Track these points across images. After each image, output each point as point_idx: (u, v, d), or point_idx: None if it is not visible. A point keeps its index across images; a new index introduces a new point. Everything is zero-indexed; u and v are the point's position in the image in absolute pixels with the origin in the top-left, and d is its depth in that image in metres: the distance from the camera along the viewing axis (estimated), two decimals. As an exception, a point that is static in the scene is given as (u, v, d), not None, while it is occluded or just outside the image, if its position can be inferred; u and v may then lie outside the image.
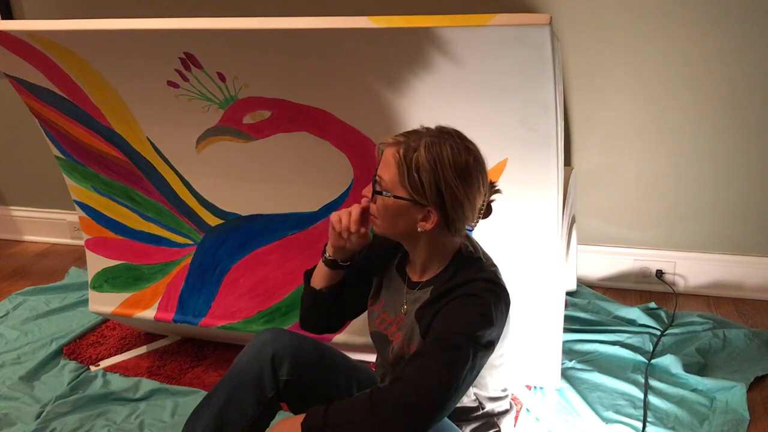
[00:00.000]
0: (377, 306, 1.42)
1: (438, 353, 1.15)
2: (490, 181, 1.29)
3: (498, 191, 1.30)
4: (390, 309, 1.38)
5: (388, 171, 1.23)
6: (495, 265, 1.32)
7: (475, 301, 1.20)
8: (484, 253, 1.33)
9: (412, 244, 1.31)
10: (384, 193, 1.24)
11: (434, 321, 1.22)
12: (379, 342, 1.40)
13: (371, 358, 1.49)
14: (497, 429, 1.41)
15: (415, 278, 1.34)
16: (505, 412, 1.43)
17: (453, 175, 1.19)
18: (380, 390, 1.15)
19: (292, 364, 1.34)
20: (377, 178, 1.25)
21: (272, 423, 1.34)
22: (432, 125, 1.26)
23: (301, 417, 1.17)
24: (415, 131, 1.24)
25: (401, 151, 1.21)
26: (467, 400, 1.36)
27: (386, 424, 1.11)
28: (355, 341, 1.78)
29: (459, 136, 1.24)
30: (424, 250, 1.30)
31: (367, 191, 1.28)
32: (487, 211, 1.29)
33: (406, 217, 1.24)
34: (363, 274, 1.46)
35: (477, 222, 1.28)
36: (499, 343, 1.25)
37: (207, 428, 1.29)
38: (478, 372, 1.21)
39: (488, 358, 1.22)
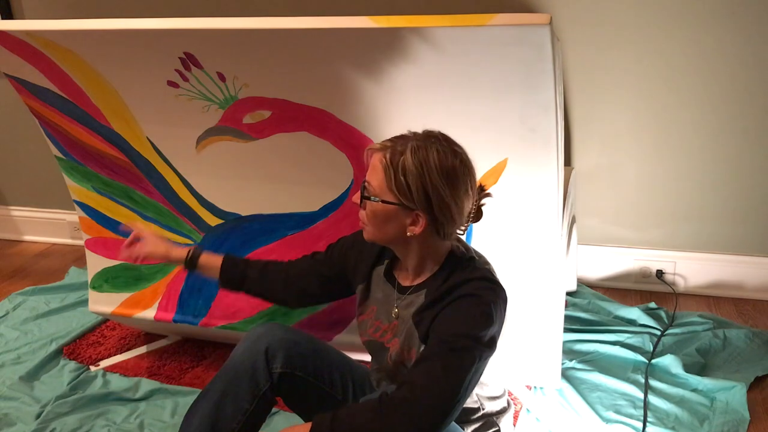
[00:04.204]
0: (368, 315, 1.41)
1: (444, 356, 1.15)
2: (481, 184, 1.29)
3: (488, 195, 1.29)
4: (383, 316, 1.37)
5: (375, 176, 1.23)
6: (488, 263, 1.32)
7: (475, 301, 1.20)
8: (476, 252, 1.33)
9: (403, 248, 1.31)
10: (372, 198, 1.24)
11: (435, 323, 1.22)
12: (375, 350, 1.40)
13: (370, 358, 1.49)
14: (497, 428, 1.41)
15: (406, 283, 1.34)
16: (504, 410, 1.43)
17: (439, 179, 1.19)
18: (388, 395, 1.14)
19: (285, 357, 1.34)
20: (365, 183, 1.25)
21: (268, 419, 1.34)
22: (421, 129, 1.26)
23: (307, 426, 1.16)
24: (402, 136, 1.24)
25: (388, 156, 1.21)
26: (469, 401, 1.36)
27: (397, 429, 1.10)
28: (354, 341, 1.78)
29: (446, 139, 1.24)
30: (415, 254, 1.29)
31: (357, 197, 1.28)
32: (477, 215, 1.28)
33: (395, 222, 1.24)
34: (336, 269, 1.47)
35: (467, 226, 1.28)
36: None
37: (203, 423, 1.29)
38: (482, 372, 1.21)
39: (491, 356, 1.22)
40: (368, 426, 1.12)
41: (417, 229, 1.23)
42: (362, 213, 1.28)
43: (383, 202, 1.23)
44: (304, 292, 1.51)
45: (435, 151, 1.20)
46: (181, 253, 1.52)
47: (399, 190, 1.21)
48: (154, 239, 1.54)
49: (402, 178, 1.20)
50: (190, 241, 1.89)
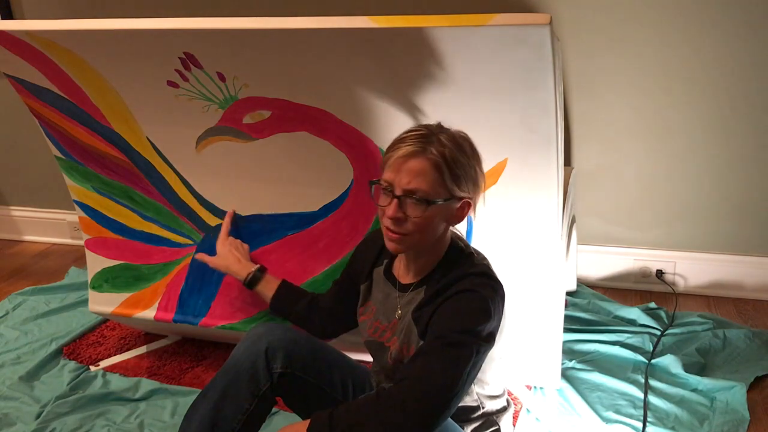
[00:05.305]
0: (368, 315, 1.42)
1: (441, 351, 1.15)
2: None
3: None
4: (382, 316, 1.38)
5: (424, 180, 1.20)
6: (486, 259, 1.33)
7: (472, 296, 1.21)
8: (475, 249, 1.34)
9: (427, 247, 1.29)
10: (436, 201, 1.21)
11: (433, 319, 1.22)
12: (375, 349, 1.40)
13: (370, 358, 1.49)
14: (497, 427, 1.41)
15: (406, 281, 1.34)
16: (504, 409, 1.43)
17: (473, 156, 1.25)
18: (386, 390, 1.15)
19: (285, 357, 1.34)
20: (409, 194, 1.20)
21: (269, 419, 1.35)
22: (417, 125, 1.27)
23: (306, 423, 1.17)
24: (418, 134, 1.22)
25: (434, 155, 1.20)
26: (469, 400, 1.36)
27: (394, 424, 1.10)
28: (354, 342, 1.78)
29: (440, 125, 1.27)
30: (428, 249, 1.29)
31: (396, 211, 1.21)
32: None
33: (440, 219, 1.24)
34: (352, 284, 1.48)
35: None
36: (497, 337, 1.25)
37: (203, 422, 1.29)
38: (480, 367, 1.21)
39: (489, 351, 1.22)
40: (366, 421, 1.12)
41: (463, 217, 1.26)
42: (406, 226, 1.22)
43: (444, 200, 1.22)
44: (338, 317, 1.56)
45: (456, 136, 1.24)
46: (241, 272, 1.66)
47: (456, 182, 1.22)
48: (222, 252, 1.72)
49: (457, 170, 1.21)
50: (189, 241, 1.89)
